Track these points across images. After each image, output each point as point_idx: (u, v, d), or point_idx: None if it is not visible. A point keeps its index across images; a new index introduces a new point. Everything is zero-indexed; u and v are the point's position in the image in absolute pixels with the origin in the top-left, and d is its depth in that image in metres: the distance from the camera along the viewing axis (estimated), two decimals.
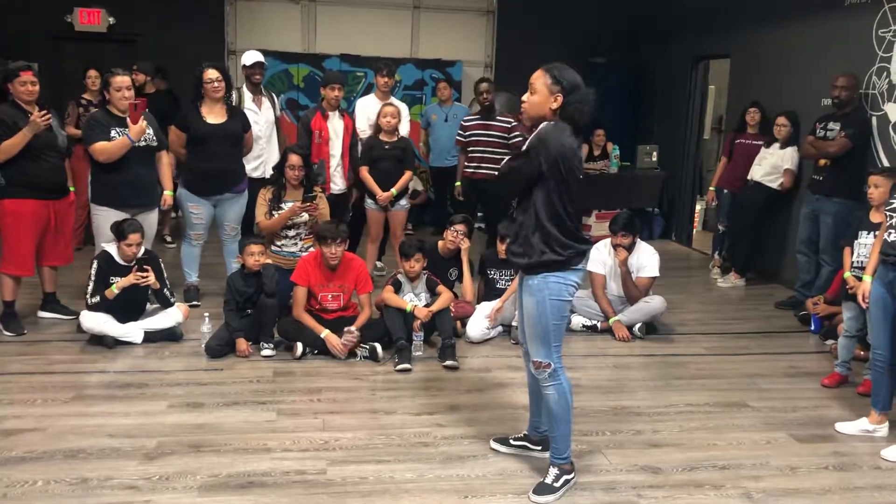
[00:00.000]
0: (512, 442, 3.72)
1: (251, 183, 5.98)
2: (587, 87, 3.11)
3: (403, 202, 6.38)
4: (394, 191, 6.17)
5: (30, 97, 4.93)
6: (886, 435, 3.99)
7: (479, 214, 7.51)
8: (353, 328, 4.82)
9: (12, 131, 4.81)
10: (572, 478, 3.38)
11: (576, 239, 3.20)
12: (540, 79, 3.10)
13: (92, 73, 7.19)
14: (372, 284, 5.19)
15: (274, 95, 6.56)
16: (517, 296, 3.49)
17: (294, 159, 5.46)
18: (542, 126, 3.13)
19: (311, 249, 5.33)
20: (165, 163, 5.47)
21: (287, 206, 5.42)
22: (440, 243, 5.60)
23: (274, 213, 5.45)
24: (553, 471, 3.35)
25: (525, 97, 3.16)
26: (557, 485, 3.32)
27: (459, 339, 5.21)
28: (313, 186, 5.62)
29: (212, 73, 5.51)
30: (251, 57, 6.26)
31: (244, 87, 6.26)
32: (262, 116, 6.22)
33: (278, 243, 5.50)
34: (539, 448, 3.65)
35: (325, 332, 4.81)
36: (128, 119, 5.09)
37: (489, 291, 5.60)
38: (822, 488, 3.47)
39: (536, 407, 3.64)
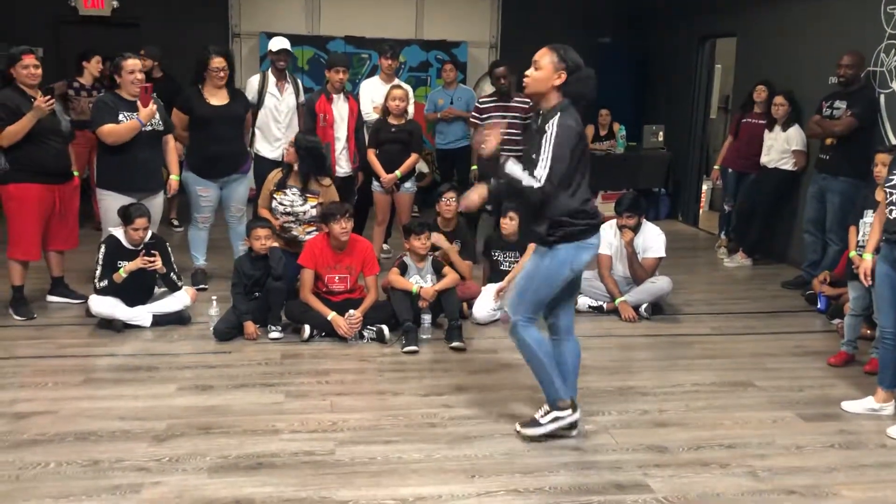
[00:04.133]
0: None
1: (268, 164, 5.97)
2: (589, 68, 3.30)
3: (409, 185, 6.38)
4: (398, 173, 6.16)
5: (32, 81, 4.93)
6: (892, 413, 3.99)
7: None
8: (354, 311, 4.84)
9: (16, 116, 4.82)
10: (565, 416, 3.56)
11: (588, 213, 3.41)
12: (546, 56, 3.28)
13: (97, 58, 7.20)
14: (378, 267, 5.20)
15: (299, 82, 6.56)
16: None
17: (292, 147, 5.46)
18: (555, 120, 3.25)
19: (314, 208, 5.38)
20: (171, 147, 5.47)
21: (291, 192, 5.40)
22: (438, 220, 5.64)
23: (275, 196, 5.42)
24: (545, 407, 3.60)
25: (529, 72, 3.32)
26: (544, 421, 3.57)
27: (466, 321, 5.23)
28: (318, 179, 5.52)
29: (218, 62, 5.49)
30: (278, 44, 6.28)
31: (269, 71, 6.28)
32: (283, 102, 6.23)
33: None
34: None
35: (331, 315, 4.83)
36: (138, 102, 5.09)
37: (494, 273, 5.60)
38: (828, 466, 3.49)
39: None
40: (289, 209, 5.43)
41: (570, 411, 3.57)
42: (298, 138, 5.51)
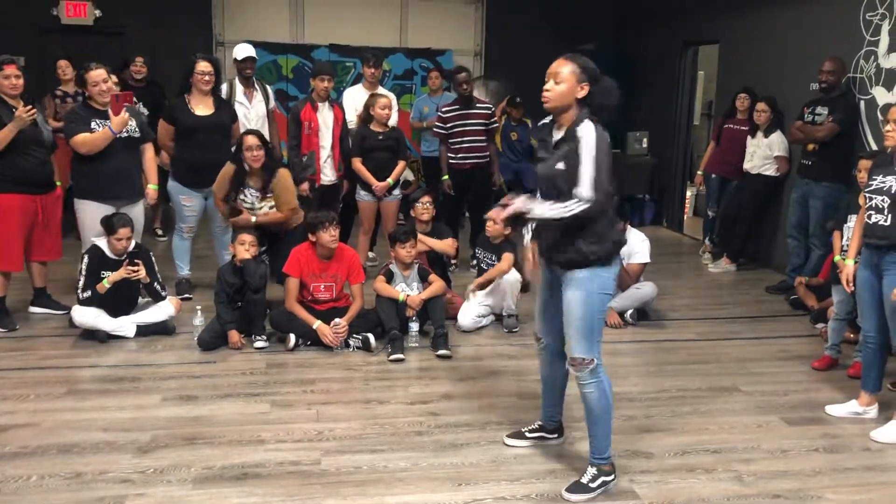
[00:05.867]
0: (528, 435, 3.68)
1: None
2: (610, 79, 3.11)
3: (396, 192, 6.38)
4: (390, 180, 6.16)
5: (14, 91, 4.90)
6: (876, 416, 4.02)
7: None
8: (339, 320, 4.82)
9: None
10: (611, 480, 3.26)
11: (613, 233, 3.16)
12: (567, 67, 3.06)
13: (62, 63, 7.16)
14: (364, 275, 5.19)
15: (268, 87, 6.54)
16: (540, 290, 3.43)
17: (250, 140, 5.17)
18: (583, 126, 3.02)
19: (272, 209, 5.31)
20: (150, 156, 5.41)
21: (248, 193, 5.27)
22: (416, 224, 5.66)
23: (235, 197, 5.28)
24: (591, 470, 3.26)
25: (549, 86, 3.08)
26: (594, 485, 3.22)
27: (451, 328, 5.22)
28: (278, 170, 5.37)
29: (204, 66, 5.47)
30: (243, 51, 6.26)
31: (236, 80, 6.25)
32: (252, 110, 6.22)
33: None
34: (555, 436, 3.67)
35: (317, 324, 4.82)
36: (109, 111, 5.06)
37: (478, 273, 5.61)
38: (813, 470, 3.50)
39: (550, 397, 3.61)
40: (247, 206, 5.31)
41: (613, 476, 3.28)
42: (251, 130, 5.40)
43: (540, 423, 3.69)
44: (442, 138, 6.71)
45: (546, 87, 3.09)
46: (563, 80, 3.05)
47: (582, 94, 3.05)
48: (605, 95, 3.06)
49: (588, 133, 2.99)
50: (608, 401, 3.22)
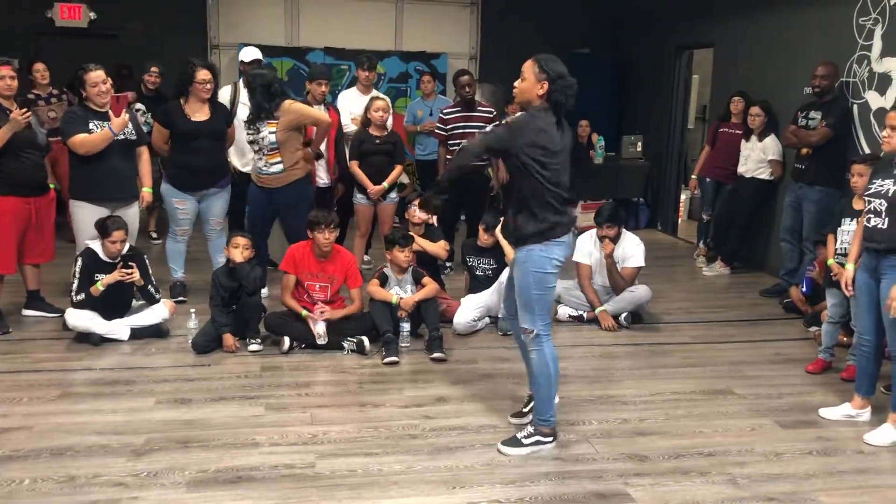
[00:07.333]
0: (524, 410, 3.90)
1: (241, 178, 5.97)
2: (571, 78, 3.44)
3: (393, 195, 6.38)
4: (385, 184, 6.16)
5: (8, 92, 4.91)
6: (869, 419, 4.03)
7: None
8: (323, 304, 4.91)
9: None
10: (548, 442, 3.62)
11: (553, 210, 3.44)
12: (529, 68, 3.44)
13: (39, 66, 7.13)
14: (361, 279, 5.19)
15: None
16: (508, 280, 3.74)
17: (202, 74, 5.42)
18: (520, 114, 3.51)
19: (279, 167, 5.36)
20: (145, 159, 5.39)
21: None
22: (410, 226, 5.66)
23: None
24: (528, 428, 3.63)
25: (516, 83, 3.50)
26: (527, 441, 3.59)
27: (446, 331, 5.22)
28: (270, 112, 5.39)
29: (204, 75, 5.40)
30: (249, 54, 6.27)
31: (240, 82, 6.25)
32: None
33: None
34: None
35: (304, 312, 4.88)
36: (110, 112, 5.05)
37: (472, 281, 5.62)
38: (806, 473, 3.51)
39: (528, 367, 3.79)
40: (251, 138, 5.41)
41: (551, 439, 3.64)
42: (248, 74, 5.58)
43: (529, 393, 3.85)
44: (442, 139, 6.72)
45: (514, 83, 3.52)
46: (526, 77, 3.46)
47: (542, 91, 3.42)
48: (559, 92, 3.40)
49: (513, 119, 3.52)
50: (549, 370, 3.56)
